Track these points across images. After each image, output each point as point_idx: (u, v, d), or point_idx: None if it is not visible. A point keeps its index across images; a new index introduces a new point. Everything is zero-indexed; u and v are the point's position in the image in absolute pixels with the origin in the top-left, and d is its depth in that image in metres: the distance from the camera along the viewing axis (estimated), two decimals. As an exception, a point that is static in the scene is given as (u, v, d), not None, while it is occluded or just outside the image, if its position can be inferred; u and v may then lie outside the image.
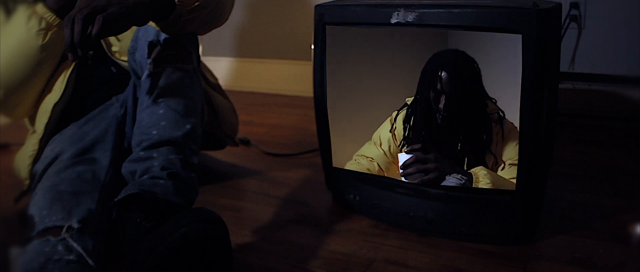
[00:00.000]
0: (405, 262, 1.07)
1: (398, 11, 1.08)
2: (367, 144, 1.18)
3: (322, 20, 1.20)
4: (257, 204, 1.37)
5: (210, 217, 0.92)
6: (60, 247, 0.94)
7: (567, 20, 1.84)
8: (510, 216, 1.09)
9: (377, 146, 1.16)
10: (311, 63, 1.26)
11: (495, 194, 1.09)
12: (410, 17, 1.07)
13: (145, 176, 1.04)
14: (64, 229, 0.97)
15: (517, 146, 1.03)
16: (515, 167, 1.04)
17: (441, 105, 1.06)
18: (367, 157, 1.19)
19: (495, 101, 1.05)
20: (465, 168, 1.07)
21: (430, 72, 1.07)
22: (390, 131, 1.14)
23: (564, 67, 1.85)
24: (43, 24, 1.15)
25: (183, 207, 1.02)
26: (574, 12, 1.85)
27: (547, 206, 1.19)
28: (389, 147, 1.14)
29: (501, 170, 1.05)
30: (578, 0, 1.85)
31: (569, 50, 1.86)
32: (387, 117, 1.16)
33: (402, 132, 1.12)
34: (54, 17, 1.15)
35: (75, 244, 0.95)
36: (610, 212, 1.23)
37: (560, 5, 1.03)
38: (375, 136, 1.17)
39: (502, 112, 1.04)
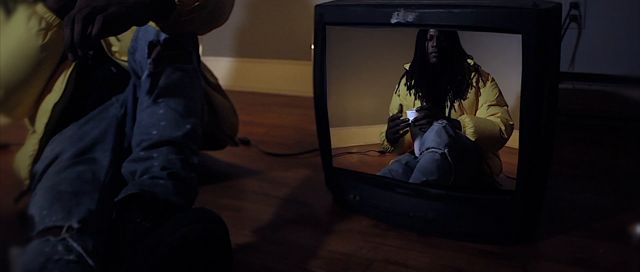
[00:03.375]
0: (405, 262, 1.07)
1: (398, 11, 1.08)
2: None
3: (322, 20, 1.20)
4: (257, 204, 1.37)
5: (210, 217, 0.92)
6: (60, 247, 0.94)
7: (567, 20, 1.85)
8: (510, 216, 1.09)
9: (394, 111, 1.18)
10: (311, 63, 1.26)
11: (495, 194, 1.09)
12: (410, 17, 1.07)
13: (145, 176, 1.04)
14: (64, 229, 0.97)
15: (495, 89, 1.07)
16: (494, 106, 1.07)
17: (433, 46, 1.10)
18: None
19: (472, 57, 1.07)
20: (454, 106, 1.11)
21: (421, 31, 1.11)
22: (396, 94, 1.16)
23: (564, 67, 1.85)
24: (43, 24, 1.15)
25: (183, 207, 1.02)
26: (574, 12, 1.85)
27: (547, 206, 1.19)
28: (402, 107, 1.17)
29: (486, 110, 1.09)
30: (578, 0, 1.85)
31: (569, 50, 1.86)
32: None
33: (406, 86, 1.15)
34: (54, 17, 1.15)
35: (75, 244, 0.95)
36: (610, 212, 1.23)
37: (560, 5, 1.03)
38: (391, 108, 1.18)
39: (478, 65, 1.08)
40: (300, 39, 2.44)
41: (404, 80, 1.15)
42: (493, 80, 1.07)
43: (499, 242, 1.11)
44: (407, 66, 1.14)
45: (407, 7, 1.07)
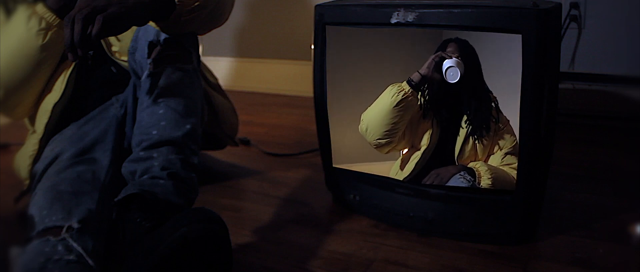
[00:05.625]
0: (405, 262, 1.07)
1: (398, 11, 1.08)
2: None
3: (322, 20, 1.20)
4: (257, 204, 1.37)
5: (210, 217, 0.92)
6: (60, 247, 0.94)
7: (567, 20, 1.84)
8: (510, 216, 1.09)
9: None
10: (311, 63, 1.26)
11: (495, 194, 1.09)
12: (410, 17, 1.07)
13: (145, 176, 1.04)
14: (64, 229, 0.97)
15: (512, 136, 1.05)
16: (511, 156, 1.06)
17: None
18: None
19: (491, 92, 1.06)
20: (468, 139, 1.09)
21: (440, 46, 1.09)
22: None
23: (564, 67, 1.85)
24: (43, 24, 1.15)
25: (183, 207, 1.02)
26: (574, 12, 1.85)
27: (547, 206, 1.19)
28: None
29: (500, 158, 1.07)
30: (578, 0, 1.85)
31: (569, 50, 1.86)
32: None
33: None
34: (54, 17, 1.15)
35: (75, 244, 0.95)
36: (610, 212, 1.23)
37: (560, 5, 1.03)
38: None
39: (497, 100, 1.07)
40: (300, 39, 2.43)
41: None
42: (510, 125, 1.05)
43: (499, 242, 1.11)
44: None
45: (407, 7, 1.07)
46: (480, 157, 1.09)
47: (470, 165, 1.09)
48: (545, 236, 1.14)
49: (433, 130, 1.12)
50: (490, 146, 1.08)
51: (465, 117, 1.09)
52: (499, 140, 1.08)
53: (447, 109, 1.11)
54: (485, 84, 1.07)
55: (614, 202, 1.28)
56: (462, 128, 1.09)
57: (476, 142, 1.09)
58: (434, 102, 1.11)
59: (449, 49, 1.07)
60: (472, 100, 1.08)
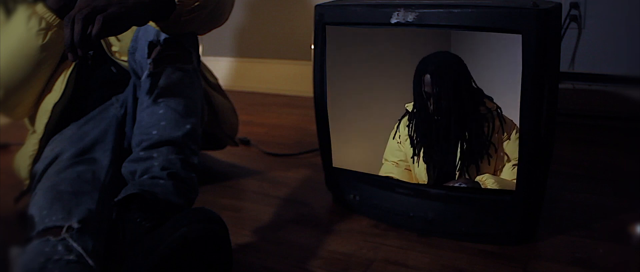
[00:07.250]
0: (405, 262, 1.07)
1: (398, 11, 1.08)
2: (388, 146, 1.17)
3: (322, 20, 1.20)
4: (257, 204, 1.37)
5: (210, 217, 0.92)
6: (60, 247, 0.94)
7: (567, 20, 1.84)
8: (510, 216, 1.09)
9: (395, 151, 1.16)
10: (311, 63, 1.26)
11: (495, 194, 1.09)
12: (410, 17, 1.07)
13: (145, 176, 1.04)
14: (64, 229, 0.97)
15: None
16: None
17: (431, 108, 1.06)
18: (389, 161, 1.18)
19: (492, 98, 1.05)
20: (468, 169, 1.08)
21: (415, 78, 1.08)
22: (393, 138, 1.15)
23: (564, 67, 1.85)
24: (43, 24, 1.15)
25: (183, 207, 1.02)
26: (574, 12, 1.85)
27: (547, 206, 1.19)
28: (402, 153, 1.15)
29: (510, 169, 1.06)
30: (578, 0, 1.85)
31: (569, 50, 1.86)
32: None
33: (408, 139, 1.13)
34: (54, 17, 1.15)
35: (75, 244, 0.95)
36: (610, 212, 1.23)
37: (560, 5, 1.03)
38: (386, 154, 1.17)
39: (500, 108, 1.05)
40: (300, 39, 2.43)
41: (405, 121, 1.11)
42: (518, 131, 1.01)
43: (499, 242, 1.11)
44: (408, 107, 1.10)
45: (407, 7, 1.07)
46: (487, 170, 1.08)
47: (477, 179, 1.09)
48: (545, 236, 1.14)
49: (429, 168, 1.12)
50: (495, 160, 1.06)
51: (461, 142, 1.07)
52: (507, 151, 1.06)
53: (438, 140, 1.09)
54: (481, 95, 1.05)
55: (614, 202, 1.28)
56: (460, 152, 1.08)
57: (479, 162, 1.07)
58: (423, 137, 1.10)
59: (425, 81, 1.04)
60: (466, 119, 1.06)
